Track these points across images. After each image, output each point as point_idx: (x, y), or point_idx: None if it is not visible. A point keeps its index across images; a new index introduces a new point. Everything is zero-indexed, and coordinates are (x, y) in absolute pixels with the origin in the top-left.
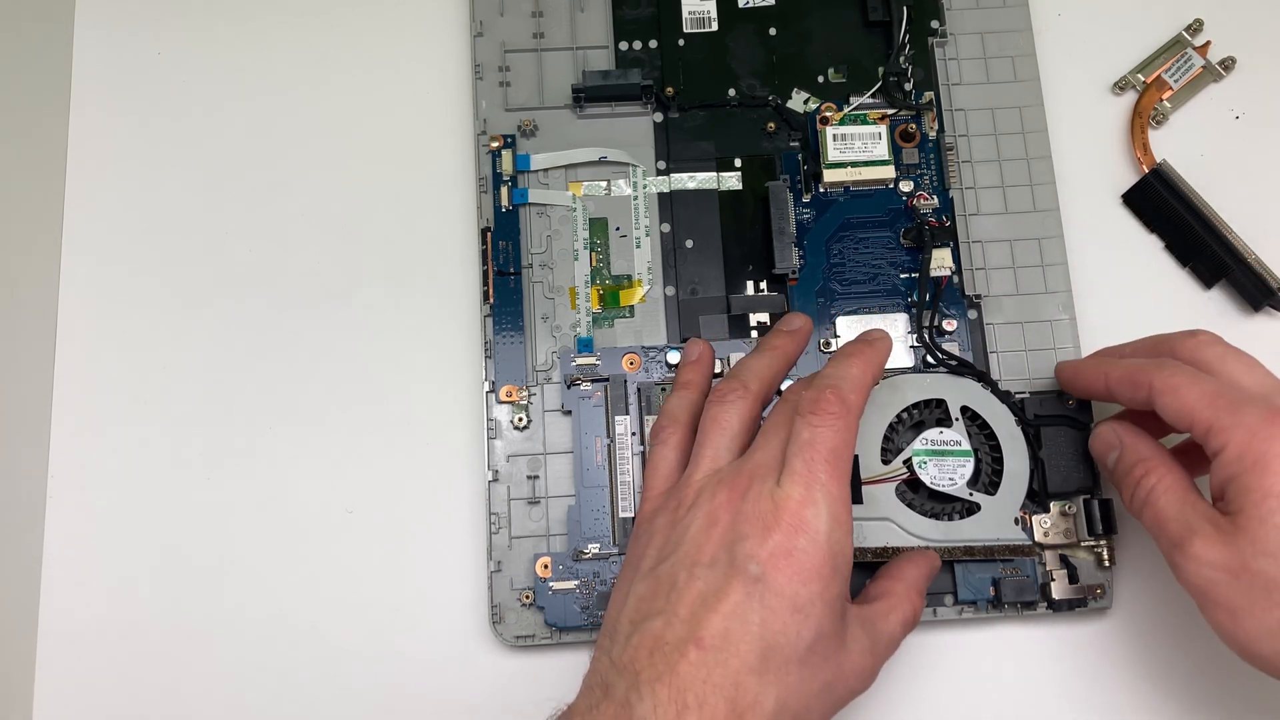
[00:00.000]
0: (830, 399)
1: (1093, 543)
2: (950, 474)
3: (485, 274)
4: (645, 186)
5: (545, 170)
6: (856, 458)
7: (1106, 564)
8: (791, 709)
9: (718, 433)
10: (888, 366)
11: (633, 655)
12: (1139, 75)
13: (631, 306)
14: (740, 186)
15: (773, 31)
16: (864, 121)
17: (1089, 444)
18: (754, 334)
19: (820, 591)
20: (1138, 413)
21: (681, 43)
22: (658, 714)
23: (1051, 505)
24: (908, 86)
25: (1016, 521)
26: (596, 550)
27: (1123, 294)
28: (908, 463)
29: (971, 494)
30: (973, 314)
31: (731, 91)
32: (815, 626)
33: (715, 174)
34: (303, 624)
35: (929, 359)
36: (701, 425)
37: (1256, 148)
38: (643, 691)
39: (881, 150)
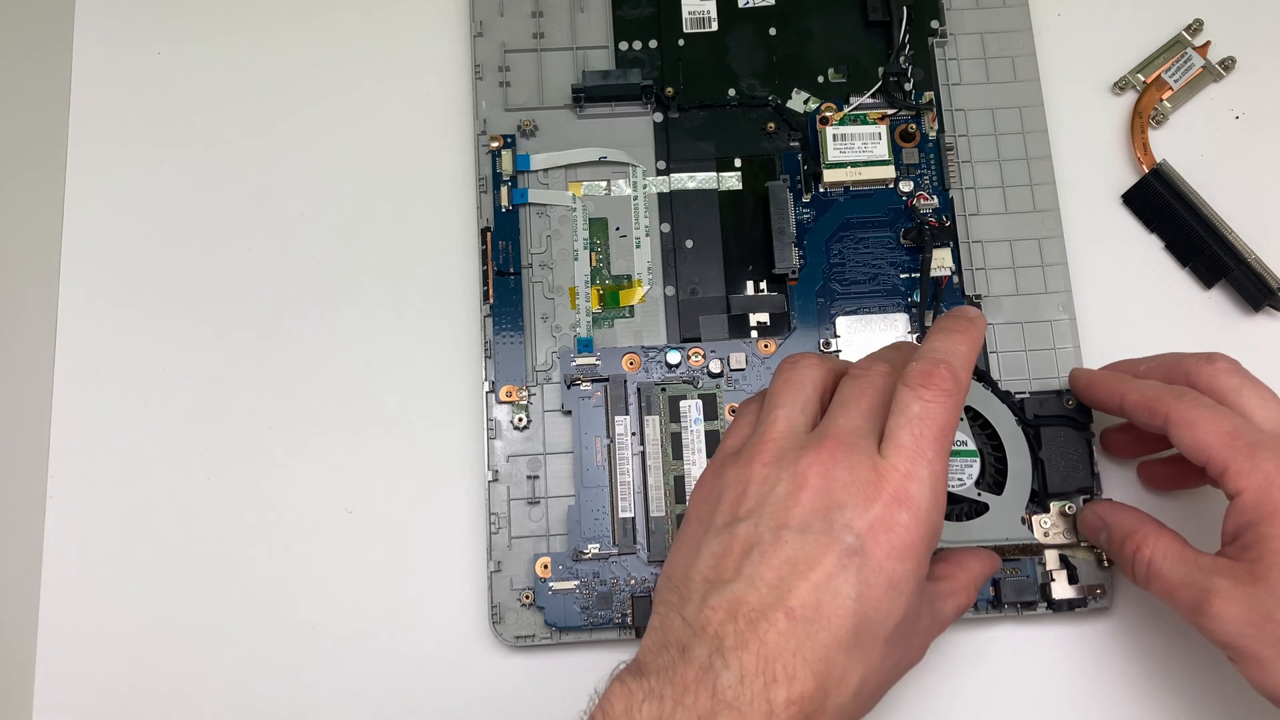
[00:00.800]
0: (944, 374)
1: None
2: (959, 474)
3: (485, 274)
4: (645, 186)
5: (545, 170)
6: None
7: (1106, 564)
8: (870, 686)
9: (795, 394)
10: None
11: (709, 617)
12: (1139, 75)
13: (631, 306)
14: (740, 186)
15: (773, 31)
16: (864, 121)
17: (1079, 529)
18: (754, 334)
19: (914, 569)
20: (1141, 432)
21: (681, 43)
22: (745, 684)
23: (1051, 505)
24: (908, 86)
25: (1023, 521)
26: (596, 550)
27: (1123, 294)
28: None
29: (980, 494)
30: None
31: (731, 91)
32: (905, 605)
33: (715, 174)
34: (303, 624)
35: None
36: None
37: (1256, 148)
38: (728, 659)
39: (881, 150)
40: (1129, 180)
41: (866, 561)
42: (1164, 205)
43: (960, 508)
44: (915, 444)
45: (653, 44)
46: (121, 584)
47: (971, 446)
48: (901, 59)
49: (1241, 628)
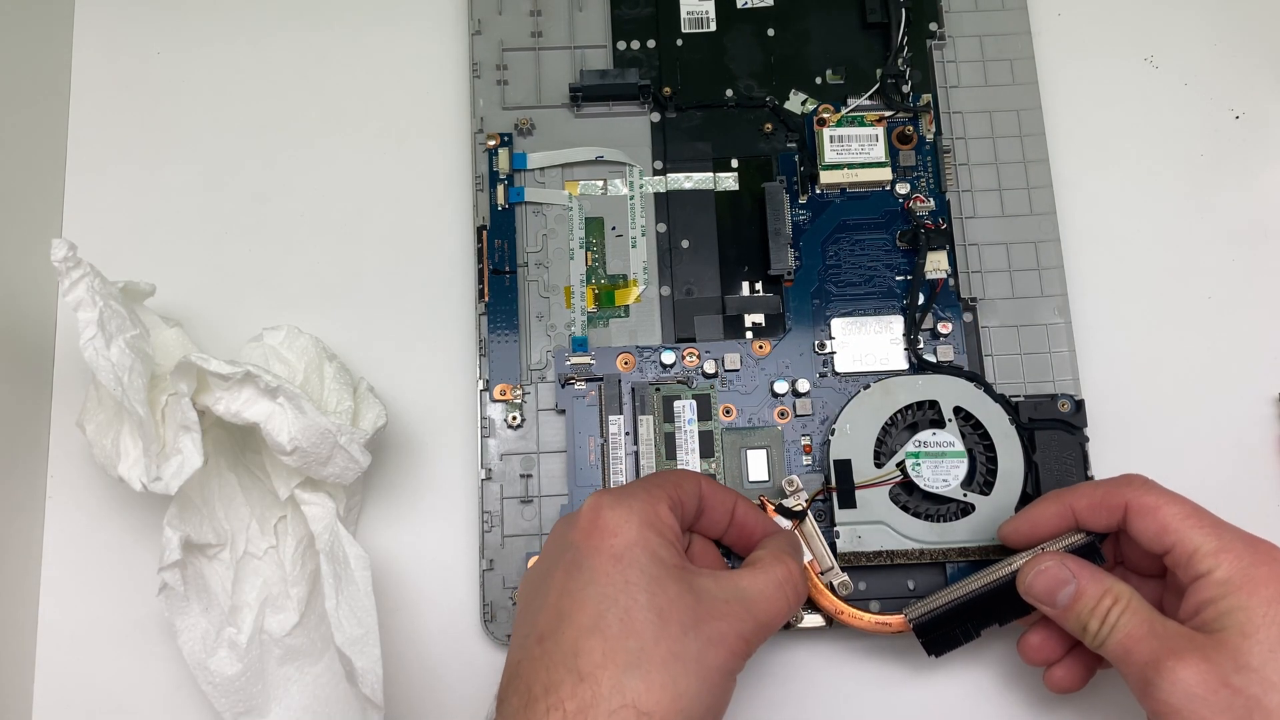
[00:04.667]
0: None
1: None
2: (944, 475)
3: (480, 272)
4: (642, 186)
5: (542, 169)
6: (849, 461)
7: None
8: (657, 656)
9: None
10: (883, 369)
11: (502, 693)
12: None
13: (626, 306)
14: (737, 187)
15: (771, 32)
16: (861, 123)
17: (1021, 586)
18: (749, 335)
19: (634, 539)
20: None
21: (680, 43)
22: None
23: None
24: (905, 89)
25: None
26: None
27: (1119, 298)
28: (901, 465)
29: (965, 495)
30: (968, 317)
31: (729, 92)
32: (641, 569)
33: (712, 174)
34: None
35: (919, 362)
36: None
37: (1256, 148)
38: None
39: (878, 152)
40: (1126, 183)
41: (581, 553)
42: None
43: (948, 509)
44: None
45: (651, 44)
46: (122, 584)
47: (960, 448)
48: (899, 61)
49: (1194, 689)
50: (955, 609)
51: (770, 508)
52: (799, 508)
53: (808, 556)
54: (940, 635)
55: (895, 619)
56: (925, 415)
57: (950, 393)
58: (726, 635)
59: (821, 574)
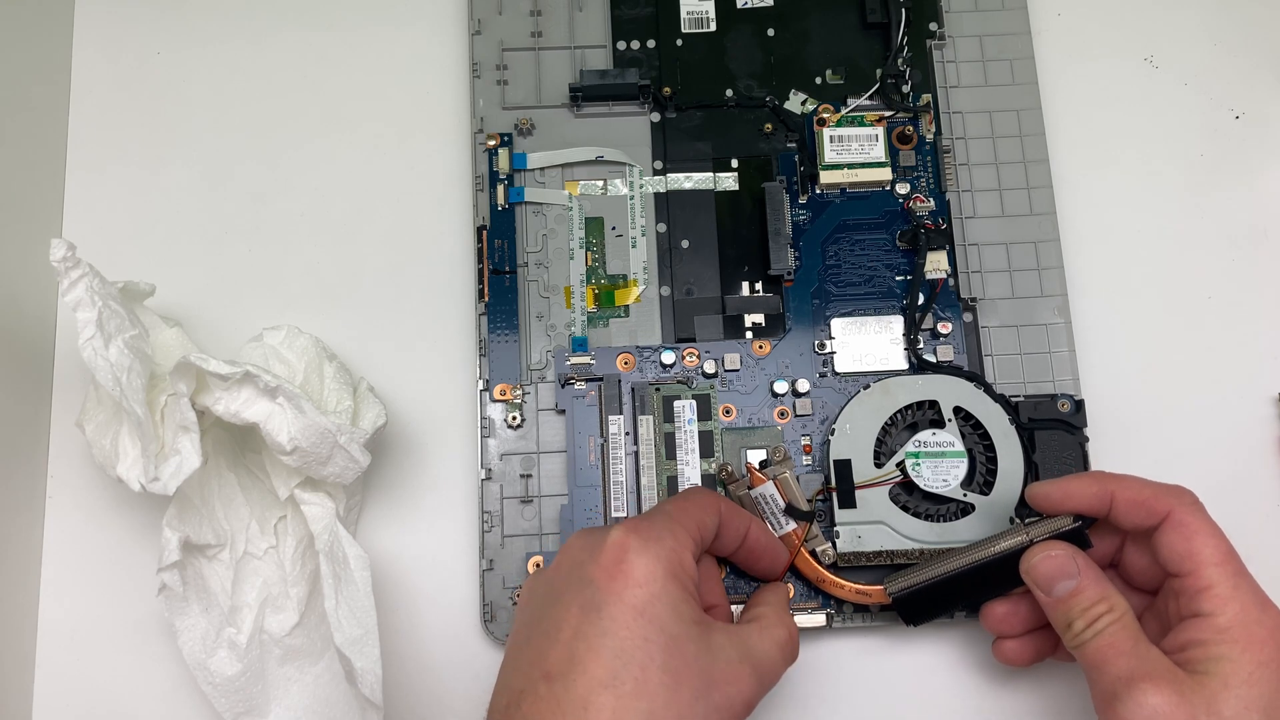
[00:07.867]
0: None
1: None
2: (944, 475)
3: (480, 272)
4: (642, 186)
5: (542, 169)
6: (849, 461)
7: None
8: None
9: None
10: (883, 369)
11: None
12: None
13: (626, 306)
14: (737, 187)
15: (771, 32)
16: (861, 123)
17: (1024, 564)
18: (749, 335)
19: (658, 593)
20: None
21: (679, 43)
22: None
23: None
24: (905, 89)
25: (1011, 521)
26: None
27: (1118, 298)
28: (901, 465)
29: (965, 495)
30: (968, 317)
31: (729, 92)
32: (661, 627)
33: (712, 174)
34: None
35: (919, 362)
36: None
37: (1256, 148)
38: None
39: (878, 152)
40: (1126, 183)
41: (604, 598)
42: None
43: (947, 508)
44: (632, 520)
45: (651, 44)
46: (121, 584)
47: (959, 448)
48: (899, 61)
49: (1160, 715)
50: (934, 585)
51: (756, 473)
52: (806, 508)
53: (792, 526)
54: (918, 607)
55: (875, 589)
56: (925, 415)
57: (950, 393)
58: (734, 701)
59: (806, 542)
